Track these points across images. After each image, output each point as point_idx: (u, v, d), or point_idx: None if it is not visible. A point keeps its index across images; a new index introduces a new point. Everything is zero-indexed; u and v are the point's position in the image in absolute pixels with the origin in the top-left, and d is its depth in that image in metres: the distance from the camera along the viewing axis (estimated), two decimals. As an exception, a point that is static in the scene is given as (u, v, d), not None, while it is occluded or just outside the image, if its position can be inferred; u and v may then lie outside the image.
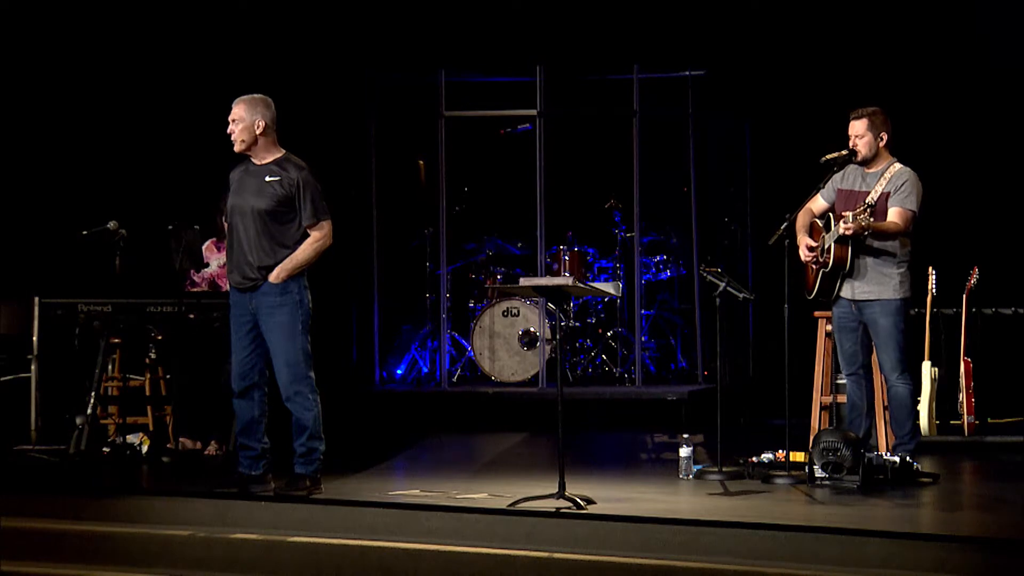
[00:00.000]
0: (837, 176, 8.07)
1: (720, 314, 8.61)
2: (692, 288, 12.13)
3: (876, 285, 7.93)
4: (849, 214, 7.76)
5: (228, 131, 7.51)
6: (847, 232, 7.76)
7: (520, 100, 11.86)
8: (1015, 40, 10.58)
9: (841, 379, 8.67)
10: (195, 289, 9.33)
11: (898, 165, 7.98)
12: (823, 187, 8.03)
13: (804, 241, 8.09)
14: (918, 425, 8.15)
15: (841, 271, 7.96)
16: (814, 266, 8.08)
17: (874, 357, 8.14)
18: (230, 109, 7.51)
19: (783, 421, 7.93)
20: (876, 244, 7.89)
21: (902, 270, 7.95)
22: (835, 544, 6.10)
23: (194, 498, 7.37)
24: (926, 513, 7.21)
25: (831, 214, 8.03)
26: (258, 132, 7.47)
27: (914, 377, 8.14)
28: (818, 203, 8.13)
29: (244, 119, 7.48)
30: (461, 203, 12.29)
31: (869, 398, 8.17)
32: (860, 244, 7.89)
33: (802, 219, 8.13)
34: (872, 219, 7.72)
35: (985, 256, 10.04)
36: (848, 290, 8.00)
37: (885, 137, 7.99)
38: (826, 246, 7.96)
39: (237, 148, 7.52)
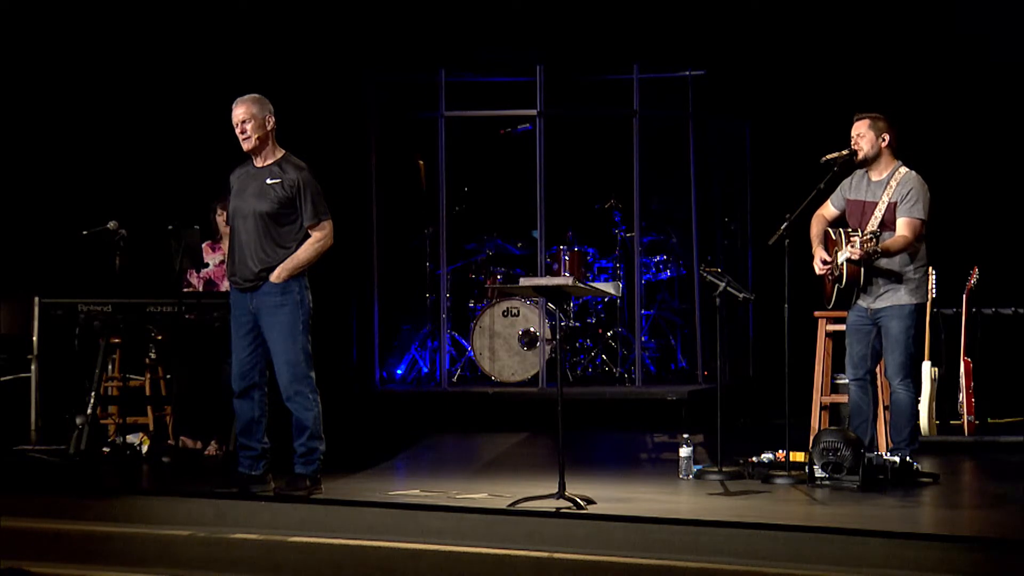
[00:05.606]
0: (846, 184, 8.05)
1: (720, 314, 8.62)
2: (692, 288, 12.13)
3: (891, 291, 7.91)
4: (856, 239, 7.74)
5: (240, 131, 7.42)
6: (854, 258, 7.76)
7: (520, 100, 11.85)
8: (1015, 38, 10.57)
9: (840, 379, 8.64)
10: (190, 290, 9.33)
11: (903, 170, 7.93)
12: (823, 187, 7.97)
13: (819, 254, 8.03)
14: (917, 428, 8.12)
15: (856, 286, 7.94)
16: (830, 278, 8.05)
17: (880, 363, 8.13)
18: (230, 110, 7.47)
19: (783, 421, 7.93)
20: (886, 261, 7.87)
21: (919, 275, 7.93)
22: (835, 544, 6.10)
23: (194, 498, 7.36)
24: (926, 513, 7.21)
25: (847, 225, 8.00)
26: (268, 129, 7.46)
27: (915, 380, 8.11)
28: (829, 209, 8.11)
29: (256, 116, 7.43)
30: (461, 203, 12.28)
31: (875, 405, 8.14)
32: (871, 263, 7.88)
33: (816, 227, 8.10)
34: (878, 246, 7.71)
35: (985, 256, 10.04)
36: (865, 299, 7.99)
37: (887, 138, 7.94)
38: (839, 262, 7.93)
39: (249, 147, 7.46)
